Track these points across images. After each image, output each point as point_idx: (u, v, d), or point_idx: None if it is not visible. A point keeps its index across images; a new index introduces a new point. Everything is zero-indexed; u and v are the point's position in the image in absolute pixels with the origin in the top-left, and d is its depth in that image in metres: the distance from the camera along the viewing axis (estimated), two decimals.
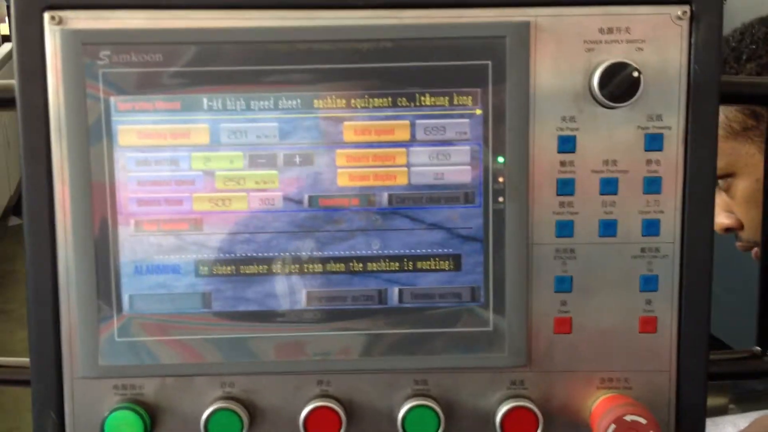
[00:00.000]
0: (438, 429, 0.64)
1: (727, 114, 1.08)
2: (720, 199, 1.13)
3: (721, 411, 1.39)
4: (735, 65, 1.08)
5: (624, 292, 0.64)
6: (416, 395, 0.64)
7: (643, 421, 0.60)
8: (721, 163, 1.09)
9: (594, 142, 0.63)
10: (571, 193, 0.64)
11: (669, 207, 0.64)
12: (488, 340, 0.64)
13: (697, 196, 0.63)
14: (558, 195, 0.63)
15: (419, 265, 0.64)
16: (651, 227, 0.64)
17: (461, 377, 0.65)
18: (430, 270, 0.64)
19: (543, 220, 0.64)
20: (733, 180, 1.10)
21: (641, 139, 0.63)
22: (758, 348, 0.68)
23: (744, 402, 1.43)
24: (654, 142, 0.63)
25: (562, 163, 0.63)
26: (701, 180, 0.63)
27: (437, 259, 0.64)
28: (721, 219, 1.14)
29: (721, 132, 1.09)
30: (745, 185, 1.08)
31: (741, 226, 1.12)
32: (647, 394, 0.64)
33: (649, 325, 0.64)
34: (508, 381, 0.65)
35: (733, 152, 1.08)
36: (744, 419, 1.17)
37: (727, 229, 1.14)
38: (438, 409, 0.64)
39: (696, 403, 0.65)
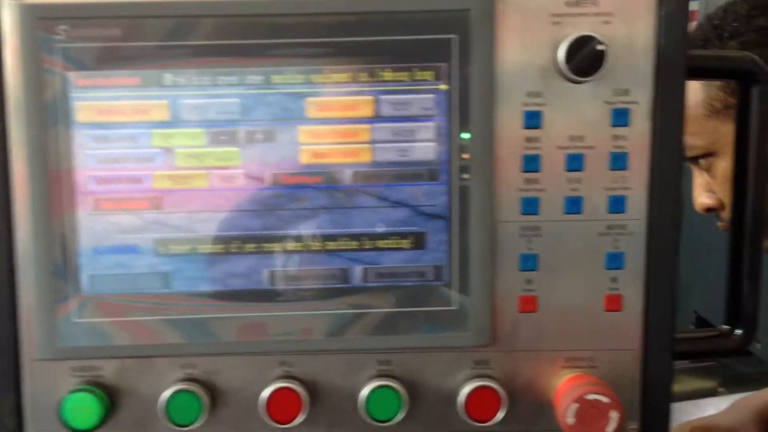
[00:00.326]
0: (402, 409, 0.63)
1: (709, 92, 1.07)
2: (702, 178, 1.13)
3: (710, 393, 1.39)
4: (717, 43, 1.07)
5: (590, 270, 0.63)
6: (380, 375, 0.64)
7: (605, 400, 0.59)
8: (703, 142, 1.08)
9: (560, 118, 0.62)
10: (537, 170, 0.62)
11: (635, 183, 0.63)
12: (452, 319, 0.63)
13: (664, 172, 0.62)
14: (523, 171, 0.62)
15: (383, 243, 0.63)
16: (617, 204, 0.63)
17: (425, 357, 0.64)
18: (394, 248, 0.63)
19: (508, 197, 0.63)
20: (714, 159, 1.09)
21: (608, 114, 0.62)
22: (727, 326, 0.67)
23: (733, 385, 1.44)
24: (621, 117, 0.62)
25: (528, 139, 0.62)
26: (668, 156, 0.62)
27: (401, 237, 0.63)
28: (703, 199, 1.13)
29: (702, 111, 1.08)
30: (726, 165, 1.07)
31: (722, 206, 1.11)
32: (613, 372, 0.64)
33: (614, 303, 0.64)
34: (472, 360, 0.64)
35: (715, 131, 1.07)
36: (726, 401, 1.17)
37: (709, 209, 1.13)
38: (402, 389, 0.63)
39: (661, 382, 0.64)
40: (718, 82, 1.05)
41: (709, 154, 1.09)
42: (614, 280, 0.63)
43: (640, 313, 0.64)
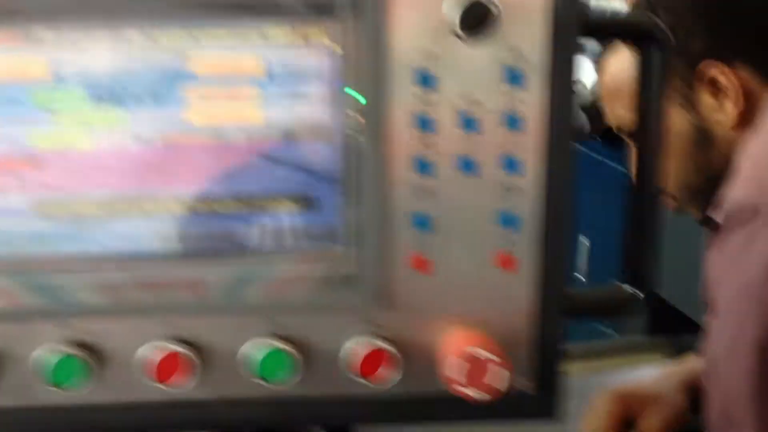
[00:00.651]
0: (295, 372, 0.62)
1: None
2: (635, 152, 1.13)
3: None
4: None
5: (484, 231, 0.63)
6: (272, 338, 0.63)
7: (492, 357, 0.59)
8: (634, 116, 1.08)
9: (454, 79, 0.61)
10: (431, 131, 0.62)
11: (531, 145, 0.62)
12: (346, 281, 0.63)
13: (559, 134, 0.62)
14: (418, 132, 0.62)
15: (274, 206, 0.62)
16: (512, 165, 0.62)
17: (318, 319, 0.63)
18: (286, 211, 0.62)
19: (402, 159, 0.62)
20: None
21: (502, 75, 0.61)
22: (620, 283, 0.68)
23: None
24: (515, 79, 0.61)
25: (423, 100, 0.61)
26: (563, 117, 0.62)
27: (293, 199, 0.62)
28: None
29: (635, 84, 1.08)
30: None
31: None
32: (506, 333, 0.64)
33: (508, 263, 0.63)
34: (365, 322, 0.63)
35: None
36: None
37: None
38: (295, 352, 0.62)
39: (553, 341, 0.64)
40: None
41: None
42: (508, 241, 0.63)
43: (534, 275, 0.64)
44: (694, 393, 1.00)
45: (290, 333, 0.63)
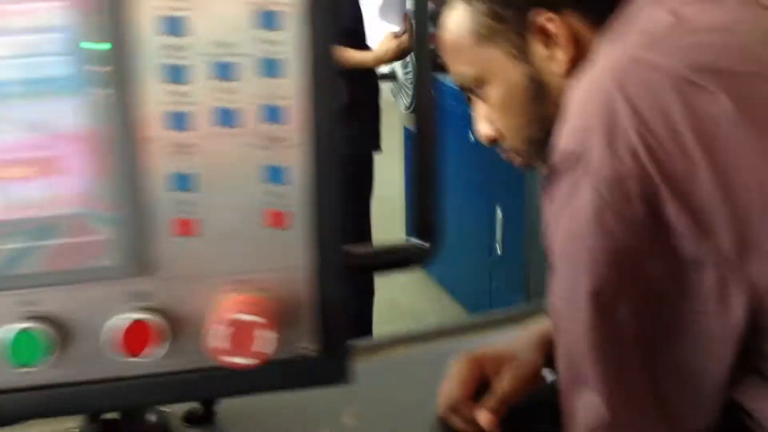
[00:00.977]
0: (50, 353, 0.57)
1: (475, 19, 1.04)
2: (480, 109, 1.11)
3: None
4: None
5: (250, 187, 0.59)
6: (25, 318, 0.57)
7: (258, 320, 0.55)
8: (473, 71, 1.06)
9: (205, 23, 0.56)
10: (184, 81, 0.57)
11: (292, 90, 0.58)
12: (101, 249, 0.57)
13: (321, 79, 0.58)
14: (169, 84, 0.57)
15: (14, 172, 0.56)
16: (274, 114, 0.58)
17: (75, 292, 0.58)
18: (27, 177, 0.56)
19: (154, 113, 0.57)
20: (487, 88, 1.07)
21: (257, 17, 0.57)
22: (407, 238, 0.65)
23: None
24: (271, 21, 0.57)
25: (172, 48, 0.56)
26: (323, 57, 0.58)
27: (35, 163, 0.56)
28: (484, 130, 1.11)
29: (471, 39, 1.05)
30: (498, 92, 1.05)
31: (502, 136, 1.10)
32: (284, 293, 0.60)
33: (279, 220, 0.59)
34: (128, 292, 0.58)
35: (485, 59, 1.05)
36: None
37: (493, 141, 1.11)
38: (50, 330, 0.57)
39: (335, 299, 0.60)
40: (484, 9, 1.03)
41: (481, 83, 1.07)
42: (277, 195, 0.59)
43: (308, 230, 0.60)
44: (550, 351, 0.98)
45: (44, 310, 0.58)
